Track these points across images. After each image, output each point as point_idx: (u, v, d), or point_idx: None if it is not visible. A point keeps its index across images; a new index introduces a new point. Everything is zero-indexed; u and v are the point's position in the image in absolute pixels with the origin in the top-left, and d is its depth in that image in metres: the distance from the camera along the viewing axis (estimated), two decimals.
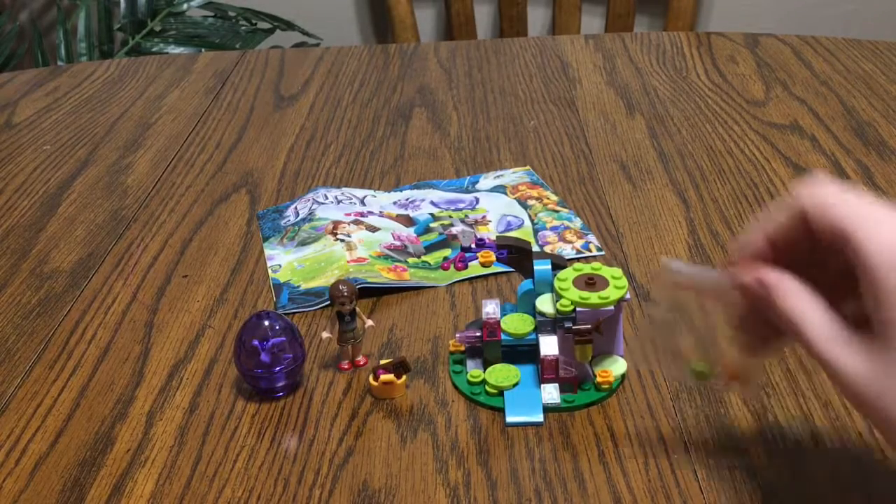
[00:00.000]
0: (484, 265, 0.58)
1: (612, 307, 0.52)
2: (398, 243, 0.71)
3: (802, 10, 1.91)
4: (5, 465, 0.52)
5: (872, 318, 0.35)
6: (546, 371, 0.54)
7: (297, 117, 0.99)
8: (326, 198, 0.78)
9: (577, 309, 0.52)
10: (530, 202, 0.78)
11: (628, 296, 0.53)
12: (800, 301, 0.38)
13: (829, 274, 0.40)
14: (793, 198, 0.39)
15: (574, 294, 0.52)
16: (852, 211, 0.36)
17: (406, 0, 1.70)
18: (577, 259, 0.69)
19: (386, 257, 0.69)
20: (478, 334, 0.55)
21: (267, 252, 0.72)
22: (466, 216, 0.76)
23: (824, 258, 0.40)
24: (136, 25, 1.77)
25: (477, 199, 0.79)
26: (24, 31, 1.97)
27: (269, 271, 0.70)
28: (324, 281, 0.67)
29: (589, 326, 0.52)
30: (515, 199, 0.78)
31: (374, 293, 0.65)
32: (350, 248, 0.70)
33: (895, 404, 0.33)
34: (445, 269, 0.68)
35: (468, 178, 0.83)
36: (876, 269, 0.34)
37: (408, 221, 0.75)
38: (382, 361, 0.55)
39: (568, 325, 0.53)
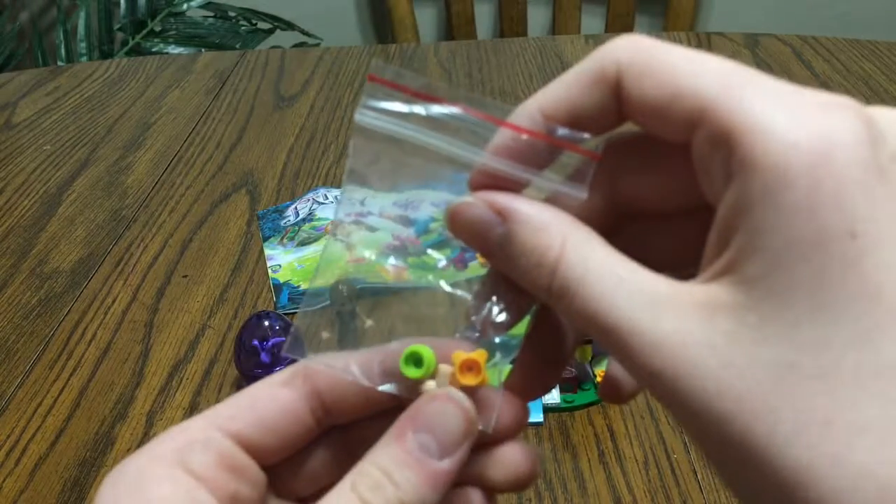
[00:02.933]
0: (483, 265, 0.58)
1: None
2: (398, 243, 0.71)
3: (802, 10, 1.91)
4: (5, 465, 0.52)
5: (731, 261, 0.20)
6: None
7: (297, 117, 0.99)
8: (326, 198, 0.78)
9: None
10: None
11: None
12: (576, 244, 0.22)
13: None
14: (599, 60, 0.23)
15: None
16: (743, 93, 0.20)
17: (406, 0, 1.70)
18: None
19: (386, 257, 0.69)
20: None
21: (267, 252, 0.72)
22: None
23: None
24: (136, 25, 1.77)
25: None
26: (24, 31, 1.97)
27: (269, 271, 0.70)
28: (324, 281, 0.67)
29: None
30: None
31: (374, 293, 0.65)
32: (350, 248, 0.70)
33: (746, 380, 0.18)
34: (445, 269, 0.68)
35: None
36: (766, 186, 0.19)
37: (407, 222, 0.75)
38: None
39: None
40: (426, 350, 0.25)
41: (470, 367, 0.25)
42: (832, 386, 0.18)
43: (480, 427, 0.25)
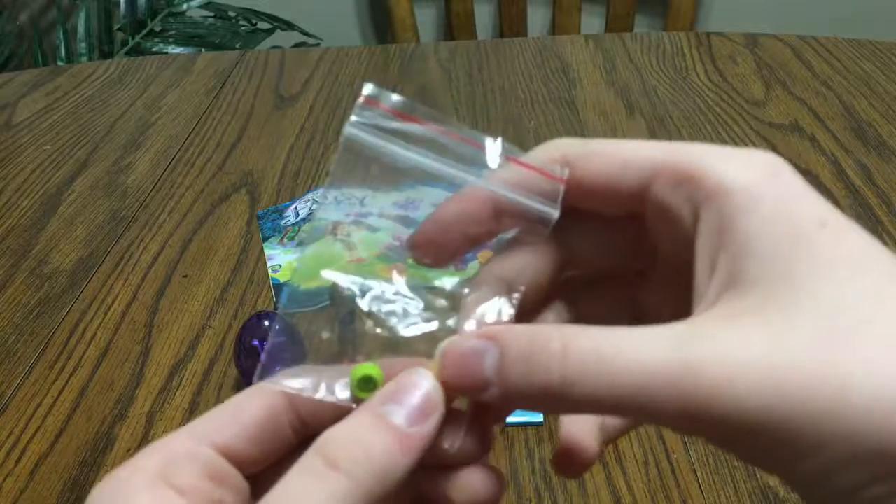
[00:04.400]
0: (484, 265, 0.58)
1: None
2: (398, 243, 0.71)
3: (802, 10, 1.91)
4: (5, 465, 0.52)
5: (727, 276, 0.22)
6: None
7: (297, 117, 0.99)
8: (326, 198, 0.78)
9: None
10: None
11: None
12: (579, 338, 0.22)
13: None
14: (544, 153, 0.27)
15: None
16: (689, 148, 0.24)
17: (406, 0, 1.70)
18: None
19: (386, 257, 0.69)
20: None
21: (267, 252, 0.73)
22: None
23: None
24: (136, 25, 1.77)
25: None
26: (24, 31, 1.97)
27: (269, 271, 0.70)
28: (324, 281, 0.67)
29: None
30: None
31: (374, 294, 0.65)
32: (350, 248, 0.70)
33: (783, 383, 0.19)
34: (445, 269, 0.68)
35: None
36: (733, 205, 0.22)
37: (407, 222, 0.75)
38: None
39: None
40: (376, 370, 0.26)
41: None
42: (871, 331, 0.20)
43: (445, 446, 0.25)
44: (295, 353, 0.31)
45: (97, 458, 0.53)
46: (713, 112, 0.95)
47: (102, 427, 0.55)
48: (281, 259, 0.71)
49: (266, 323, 0.56)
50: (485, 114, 0.97)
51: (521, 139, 0.90)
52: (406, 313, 0.29)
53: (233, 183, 0.85)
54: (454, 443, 0.25)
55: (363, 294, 0.30)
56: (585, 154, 0.26)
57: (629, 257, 0.28)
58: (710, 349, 0.20)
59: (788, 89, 1.00)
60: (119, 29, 1.78)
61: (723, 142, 0.88)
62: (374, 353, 0.28)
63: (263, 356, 0.28)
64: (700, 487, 0.48)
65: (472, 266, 0.70)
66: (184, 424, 0.54)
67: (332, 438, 0.23)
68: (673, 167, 0.24)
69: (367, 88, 0.27)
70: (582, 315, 0.28)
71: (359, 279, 0.31)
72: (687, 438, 0.51)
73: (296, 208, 0.78)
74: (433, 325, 0.28)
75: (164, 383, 0.59)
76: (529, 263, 0.27)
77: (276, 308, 0.65)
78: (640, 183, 0.25)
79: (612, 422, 0.29)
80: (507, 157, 0.27)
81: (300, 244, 0.72)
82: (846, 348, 0.19)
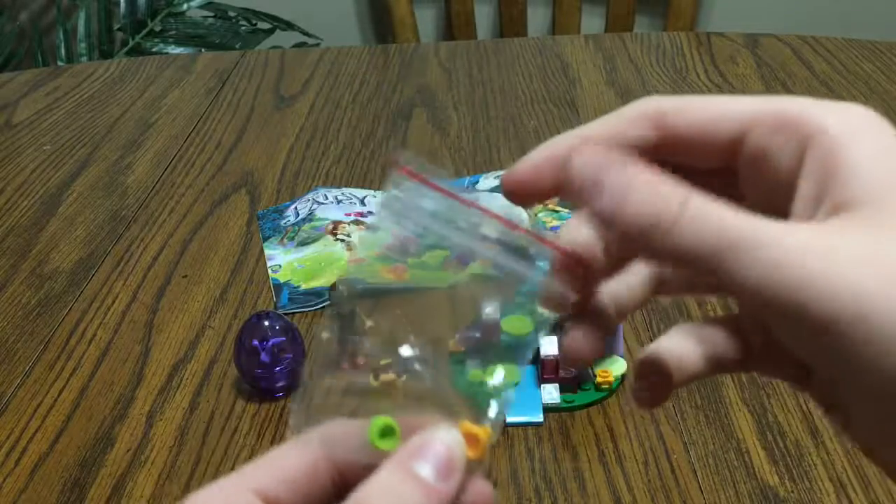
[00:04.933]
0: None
1: None
2: (398, 243, 0.71)
3: (802, 10, 1.91)
4: (5, 465, 0.52)
5: (839, 198, 0.23)
6: (546, 371, 0.54)
7: (297, 117, 0.99)
8: (326, 198, 0.78)
9: None
10: None
11: None
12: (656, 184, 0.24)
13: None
14: (639, 105, 0.28)
15: None
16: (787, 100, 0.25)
17: (406, 0, 1.70)
18: None
19: (386, 257, 0.69)
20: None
21: (267, 252, 0.73)
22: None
23: None
24: (136, 25, 1.77)
25: (477, 200, 0.79)
26: (24, 31, 1.96)
27: (269, 271, 0.70)
28: (324, 281, 0.67)
29: None
30: None
31: (374, 293, 0.65)
32: (350, 248, 0.70)
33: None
34: (445, 269, 0.68)
35: (468, 178, 0.83)
36: (839, 141, 0.24)
37: None
38: (382, 361, 0.55)
39: (568, 325, 0.53)
40: (393, 422, 0.26)
41: (472, 440, 0.26)
42: None
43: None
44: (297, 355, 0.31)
45: (97, 458, 0.53)
46: None
47: (102, 427, 0.55)
48: (281, 259, 0.71)
49: (266, 323, 0.56)
50: (485, 114, 0.97)
51: (521, 139, 0.90)
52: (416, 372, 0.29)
53: (233, 183, 0.85)
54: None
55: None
56: (680, 107, 0.26)
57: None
58: (814, 237, 0.22)
59: (788, 89, 1.00)
60: (119, 29, 1.78)
61: None
62: (390, 406, 0.28)
63: (294, 407, 0.29)
64: (700, 487, 0.48)
65: (473, 266, 0.70)
66: (184, 425, 0.54)
67: (367, 495, 0.24)
68: (773, 114, 0.25)
69: (403, 158, 0.28)
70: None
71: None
72: (687, 438, 0.52)
73: (296, 208, 0.78)
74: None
75: (164, 383, 0.59)
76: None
77: (276, 308, 0.65)
78: (737, 132, 0.25)
79: (632, 296, 0.30)
80: (532, 234, 0.27)
81: (300, 244, 0.72)
82: None
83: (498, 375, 0.29)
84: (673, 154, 0.26)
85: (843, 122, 0.24)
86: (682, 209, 0.23)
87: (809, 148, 0.24)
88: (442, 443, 0.26)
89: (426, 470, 0.25)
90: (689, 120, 0.26)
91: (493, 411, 0.27)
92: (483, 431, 0.26)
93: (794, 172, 0.25)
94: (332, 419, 0.28)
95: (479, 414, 0.27)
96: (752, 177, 0.26)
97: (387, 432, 0.26)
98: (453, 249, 0.29)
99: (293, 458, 0.27)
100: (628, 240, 0.24)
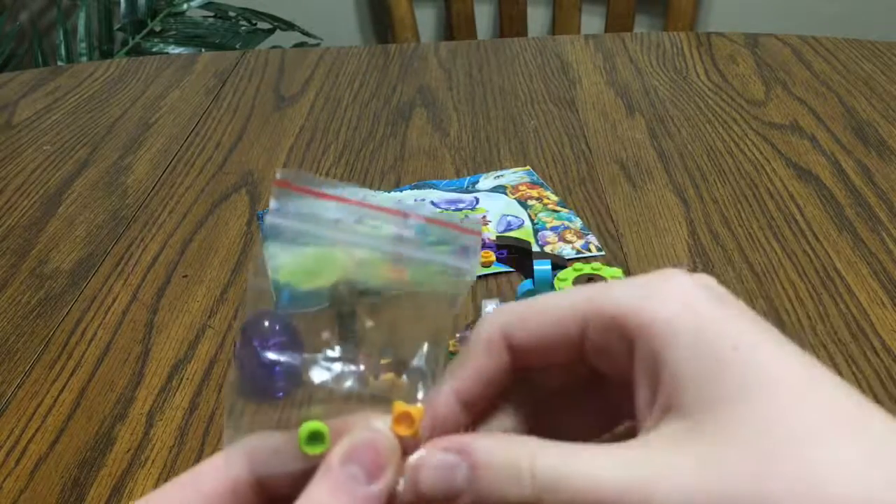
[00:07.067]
0: (484, 265, 0.58)
1: None
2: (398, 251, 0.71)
3: (802, 10, 1.91)
4: (5, 465, 0.52)
5: (666, 401, 0.25)
6: None
7: (297, 117, 0.99)
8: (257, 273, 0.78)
9: None
10: (530, 202, 0.78)
11: None
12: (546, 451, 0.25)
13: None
14: (485, 331, 0.29)
15: None
16: (625, 290, 0.27)
17: (406, 0, 1.70)
18: (577, 259, 0.69)
19: (386, 257, 0.68)
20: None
21: (267, 252, 0.72)
22: (466, 216, 0.76)
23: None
24: (136, 25, 1.77)
25: (477, 199, 0.79)
26: (24, 31, 1.97)
27: (270, 271, 0.70)
28: (324, 281, 0.67)
29: None
30: (515, 199, 0.78)
31: (374, 293, 0.65)
32: (350, 248, 0.70)
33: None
34: (445, 269, 0.68)
35: (468, 178, 0.83)
36: (667, 344, 0.25)
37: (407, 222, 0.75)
38: (383, 360, 0.55)
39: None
40: (323, 426, 0.27)
41: (406, 419, 0.27)
42: (788, 448, 0.22)
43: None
44: (294, 352, 0.32)
45: (97, 458, 0.53)
46: (713, 112, 0.95)
47: (102, 427, 0.55)
48: (281, 259, 0.71)
49: (266, 323, 0.56)
50: (485, 114, 0.97)
51: (521, 139, 0.90)
52: (343, 374, 0.30)
53: (233, 183, 0.85)
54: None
55: (309, 367, 0.32)
56: (521, 319, 0.28)
57: (585, 376, 0.29)
58: (653, 471, 0.23)
59: (788, 89, 1.00)
60: (119, 29, 1.78)
61: (722, 141, 0.88)
62: (321, 411, 0.28)
63: (227, 422, 0.28)
64: None
65: (472, 265, 0.69)
66: (184, 425, 0.54)
67: None
68: (600, 315, 0.26)
69: (280, 172, 0.29)
70: (562, 420, 0.30)
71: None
72: None
73: None
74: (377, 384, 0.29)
75: (164, 383, 0.59)
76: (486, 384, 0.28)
77: (276, 308, 0.65)
78: (576, 334, 0.27)
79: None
80: (426, 218, 0.29)
81: (301, 244, 0.72)
82: (767, 468, 0.22)
83: (420, 355, 0.29)
84: (528, 360, 0.28)
85: (658, 321, 0.25)
86: (533, 483, 0.24)
87: (636, 350, 0.26)
88: (367, 440, 0.26)
89: (356, 472, 0.25)
90: (531, 333, 0.28)
91: (421, 392, 0.28)
92: (415, 409, 0.27)
93: (630, 369, 0.26)
94: (261, 433, 0.29)
95: (411, 394, 0.28)
96: (602, 364, 0.28)
97: (315, 437, 0.26)
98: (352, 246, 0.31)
99: (213, 476, 0.27)
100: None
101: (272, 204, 0.28)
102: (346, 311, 0.58)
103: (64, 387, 0.59)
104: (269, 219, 0.28)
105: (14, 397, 0.58)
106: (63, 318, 0.66)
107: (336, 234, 0.30)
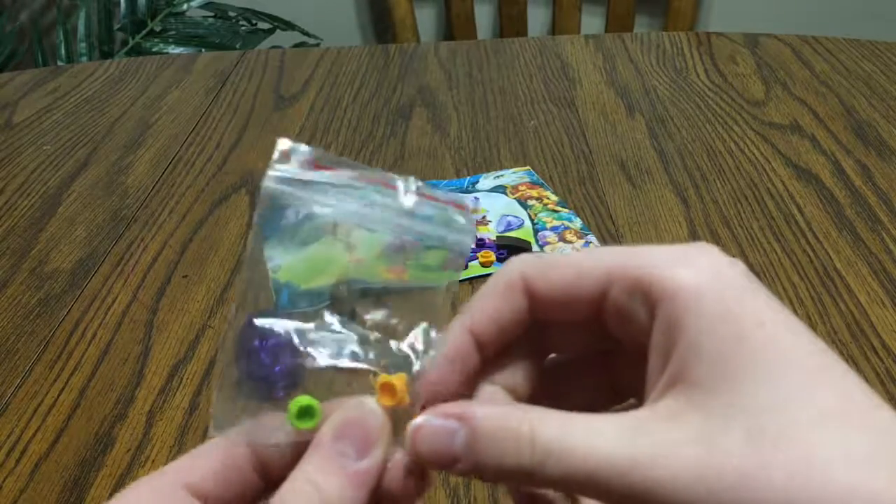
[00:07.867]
0: (484, 265, 0.58)
1: None
2: (398, 243, 0.71)
3: (802, 10, 1.91)
4: (5, 465, 0.52)
5: (676, 371, 0.24)
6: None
7: (297, 117, 0.99)
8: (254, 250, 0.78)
9: None
10: (530, 202, 0.78)
11: None
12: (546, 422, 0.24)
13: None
14: (505, 274, 0.29)
15: None
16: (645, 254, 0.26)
17: (406, 0, 1.70)
18: None
19: (386, 257, 0.69)
20: None
21: (267, 252, 0.72)
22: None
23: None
24: (136, 25, 1.77)
25: (477, 199, 0.79)
26: (24, 31, 1.96)
27: (270, 271, 0.70)
28: (324, 281, 0.67)
29: None
30: (515, 199, 0.78)
31: (374, 294, 0.65)
32: (350, 248, 0.70)
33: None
34: (444, 269, 0.68)
35: (468, 178, 0.83)
36: (684, 311, 0.24)
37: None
38: (383, 361, 0.55)
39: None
40: (313, 401, 0.27)
41: (388, 389, 0.27)
42: (797, 431, 0.22)
43: (392, 486, 0.26)
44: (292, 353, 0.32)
45: (97, 458, 0.53)
46: (713, 112, 0.95)
47: (102, 427, 0.55)
48: (281, 259, 0.71)
49: (266, 323, 0.56)
50: (485, 114, 0.97)
51: (521, 139, 0.90)
52: (340, 350, 0.30)
53: (233, 183, 0.85)
54: (397, 483, 0.27)
55: (299, 336, 0.33)
56: (543, 270, 0.28)
57: (598, 343, 0.29)
58: (654, 446, 0.23)
59: (788, 89, 1.00)
60: (119, 29, 1.78)
61: (722, 141, 0.88)
62: (313, 388, 0.29)
63: (212, 410, 0.29)
64: None
65: (473, 266, 0.71)
66: (184, 424, 0.54)
67: (290, 490, 0.25)
68: (624, 275, 0.26)
69: (282, 143, 0.29)
70: (567, 390, 0.30)
71: (296, 324, 0.32)
72: None
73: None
74: (368, 360, 0.30)
75: (164, 383, 0.59)
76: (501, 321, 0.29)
77: (276, 308, 0.65)
78: (598, 291, 0.27)
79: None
80: (418, 193, 0.30)
81: (301, 244, 0.72)
82: (773, 451, 0.22)
83: (415, 332, 0.30)
84: (544, 312, 0.28)
85: (686, 287, 0.25)
86: (532, 449, 0.24)
87: (657, 315, 0.25)
88: (357, 416, 0.26)
89: (346, 449, 0.26)
90: (552, 283, 0.27)
91: (416, 365, 0.28)
92: (397, 378, 0.27)
93: (646, 335, 0.26)
94: (252, 414, 0.29)
95: (406, 366, 0.28)
96: (619, 328, 0.27)
97: (306, 412, 0.27)
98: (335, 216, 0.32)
99: (216, 454, 0.28)
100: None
101: (270, 171, 0.29)
102: (346, 311, 0.59)
103: (64, 387, 0.59)
104: (267, 184, 0.29)
105: (14, 397, 0.58)
106: (63, 318, 0.66)
107: (332, 200, 0.31)
